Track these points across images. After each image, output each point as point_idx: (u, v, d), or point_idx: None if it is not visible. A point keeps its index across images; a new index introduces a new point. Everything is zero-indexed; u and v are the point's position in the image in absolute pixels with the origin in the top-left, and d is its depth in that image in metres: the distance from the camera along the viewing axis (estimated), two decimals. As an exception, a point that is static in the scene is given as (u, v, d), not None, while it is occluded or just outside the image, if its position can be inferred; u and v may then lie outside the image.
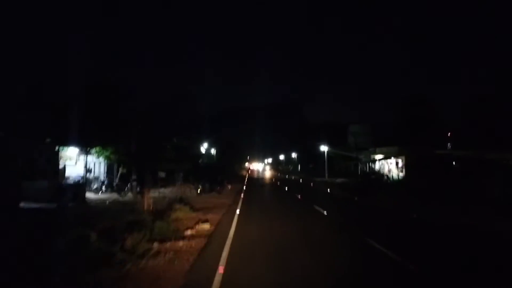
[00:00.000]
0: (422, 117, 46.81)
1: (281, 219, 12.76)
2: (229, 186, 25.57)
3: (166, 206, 14.04)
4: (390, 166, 51.93)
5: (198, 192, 23.28)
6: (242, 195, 22.38)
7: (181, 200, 15.65)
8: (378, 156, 53.36)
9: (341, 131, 72.33)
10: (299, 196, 22.08)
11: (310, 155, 77.29)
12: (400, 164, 50.34)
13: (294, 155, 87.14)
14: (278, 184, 37.79)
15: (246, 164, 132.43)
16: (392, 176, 43.97)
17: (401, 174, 46.25)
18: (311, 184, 37.12)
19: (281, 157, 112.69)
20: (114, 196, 21.69)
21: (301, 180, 47.09)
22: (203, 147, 54.78)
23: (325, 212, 14.50)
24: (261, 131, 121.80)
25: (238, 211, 14.46)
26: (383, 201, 20.21)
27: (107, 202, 19.17)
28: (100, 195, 22.73)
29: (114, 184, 23.76)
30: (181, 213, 12.07)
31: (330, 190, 28.19)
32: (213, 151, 67.71)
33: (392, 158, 49.98)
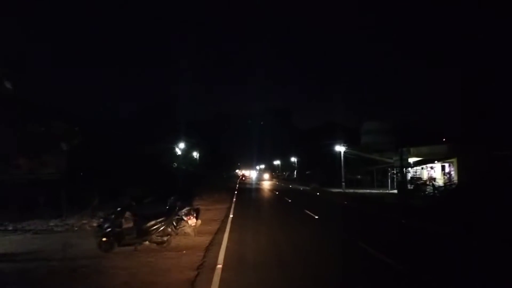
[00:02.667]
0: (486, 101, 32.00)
1: None
2: (195, 221, 10.00)
3: None
4: (431, 172, 37.40)
5: (105, 242, 8.16)
6: (219, 263, 7.16)
7: None
8: (411, 159, 38.79)
9: (351, 132, 57.89)
10: (397, 264, 7.07)
11: (312, 159, 62.67)
12: (447, 169, 35.81)
13: (293, 159, 71.74)
14: (290, 201, 22.58)
15: (237, 171, 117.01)
16: (445, 186, 29.28)
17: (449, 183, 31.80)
18: (345, 202, 22.00)
19: (275, 162, 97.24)
20: None
21: (317, 193, 31.62)
22: (179, 149, 39.77)
23: None
24: (254, 136, 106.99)
25: None
26: None
27: None
28: None
29: None
30: None
31: (406, 222, 13.27)
32: (196, 155, 52.72)
33: (436, 162, 35.54)
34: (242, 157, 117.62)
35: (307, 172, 70.33)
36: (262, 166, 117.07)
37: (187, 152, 44.74)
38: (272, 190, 36.71)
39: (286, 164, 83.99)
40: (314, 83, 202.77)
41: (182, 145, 39.75)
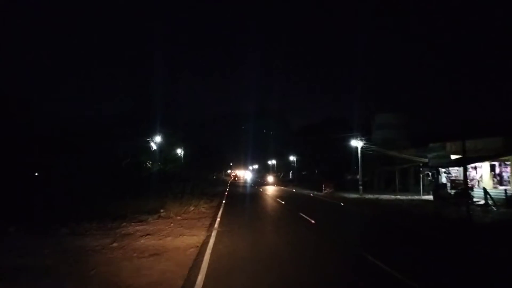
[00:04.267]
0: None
1: None
2: None
3: None
4: (473, 173, 29.10)
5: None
6: None
7: None
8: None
9: (354, 129, 49.41)
10: None
11: (313, 159, 54.29)
12: (497, 170, 27.59)
13: (291, 159, 62.94)
14: (313, 223, 13.44)
15: (229, 171, 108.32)
16: (506, 193, 21.01)
17: (501, 187, 23.70)
18: (407, 223, 12.84)
19: (270, 162, 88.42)
20: None
21: (341, 203, 21.60)
22: (154, 143, 30.84)
23: None
24: (248, 134, 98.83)
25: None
26: None
27: None
28: None
29: None
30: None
31: None
32: (181, 152, 43.79)
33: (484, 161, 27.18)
34: (235, 157, 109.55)
35: (303, 173, 61.97)
36: (256, 166, 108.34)
37: (167, 148, 35.57)
38: (274, 197, 27.28)
39: (284, 164, 75.29)
40: (313, 80, 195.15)
41: (158, 138, 30.64)
